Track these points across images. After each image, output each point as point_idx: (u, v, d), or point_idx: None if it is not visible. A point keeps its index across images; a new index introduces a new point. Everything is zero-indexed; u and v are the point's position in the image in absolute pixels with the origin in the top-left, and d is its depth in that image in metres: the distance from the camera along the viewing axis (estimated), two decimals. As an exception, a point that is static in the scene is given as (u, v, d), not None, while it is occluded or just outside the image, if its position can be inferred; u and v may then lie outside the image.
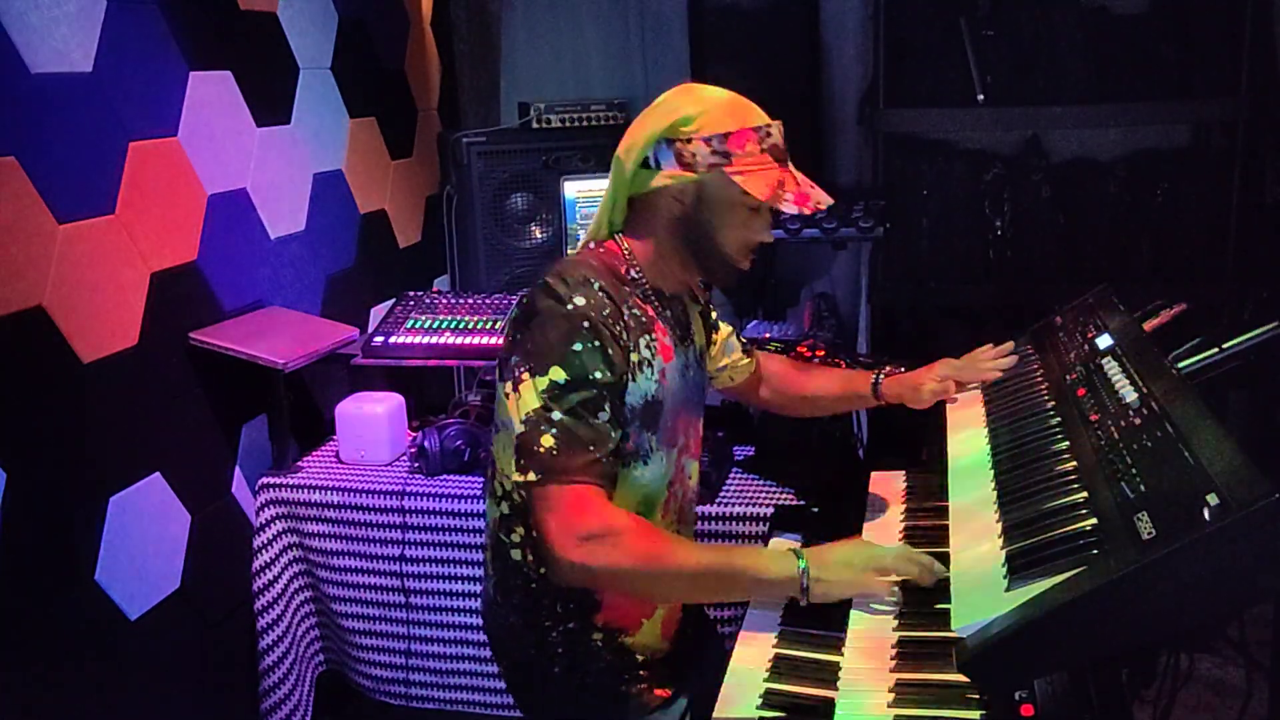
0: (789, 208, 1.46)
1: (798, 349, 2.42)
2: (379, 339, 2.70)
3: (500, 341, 1.54)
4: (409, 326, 2.72)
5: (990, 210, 3.33)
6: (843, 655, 1.45)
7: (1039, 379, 1.76)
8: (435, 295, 2.87)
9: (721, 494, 2.26)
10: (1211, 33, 3.13)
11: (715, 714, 1.39)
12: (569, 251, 1.67)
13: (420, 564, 2.44)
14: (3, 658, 1.84)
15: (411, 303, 2.83)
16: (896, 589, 1.47)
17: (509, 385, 1.42)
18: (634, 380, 1.44)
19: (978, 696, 1.28)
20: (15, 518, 1.85)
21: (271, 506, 2.48)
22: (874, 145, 3.37)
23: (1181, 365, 1.62)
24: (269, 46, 2.71)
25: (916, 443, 2.00)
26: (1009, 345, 1.94)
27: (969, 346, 1.97)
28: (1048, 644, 1.14)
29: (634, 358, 1.44)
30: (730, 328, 1.89)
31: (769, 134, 1.48)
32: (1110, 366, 1.58)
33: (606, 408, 1.40)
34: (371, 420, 2.55)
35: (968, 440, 1.71)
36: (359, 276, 3.12)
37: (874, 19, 3.29)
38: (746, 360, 1.90)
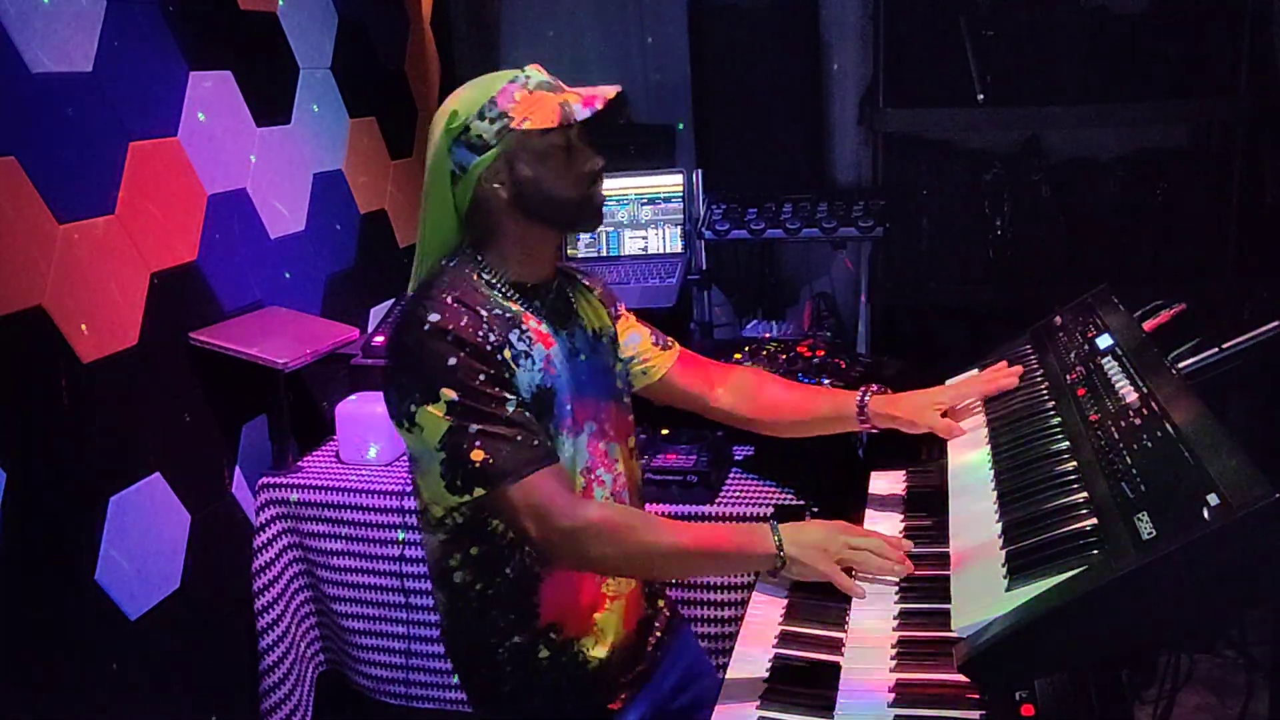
0: (583, 114, 1.46)
1: (797, 349, 2.42)
2: (379, 339, 2.70)
3: None
4: (409, 326, 2.72)
5: (990, 210, 3.33)
6: (843, 655, 1.46)
7: (1039, 379, 1.76)
8: (435, 295, 2.87)
9: (721, 494, 2.26)
10: (1211, 33, 3.14)
11: (714, 714, 1.39)
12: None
13: (420, 564, 2.44)
14: (3, 658, 1.84)
15: (411, 303, 2.83)
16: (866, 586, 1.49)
17: (405, 423, 1.43)
18: (512, 376, 1.44)
19: (978, 696, 1.28)
20: (15, 518, 1.85)
21: (271, 506, 2.48)
22: (874, 145, 3.38)
23: (1181, 365, 1.62)
24: (269, 46, 2.71)
25: (916, 443, 1.99)
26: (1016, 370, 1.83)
27: (969, 346, 1.96)
28: (1048, 644, 1.14)
29: (507, 353, 1.44)
30: (634, 318, 1.78)
31: (528, 78, 1.49)
32: (1110, 366, 1.58)
33: (508, 397, 1.42)
34: (371, 420, 2.55)
35: (968, 440, 1.71)
36: (359, 276, 3.12)
37: (874, 19, 3.29)
38: (663, 352, 1.77)
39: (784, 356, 2.37)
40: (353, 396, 2.61)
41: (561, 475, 1.44)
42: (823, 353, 2.39)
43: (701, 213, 3.17)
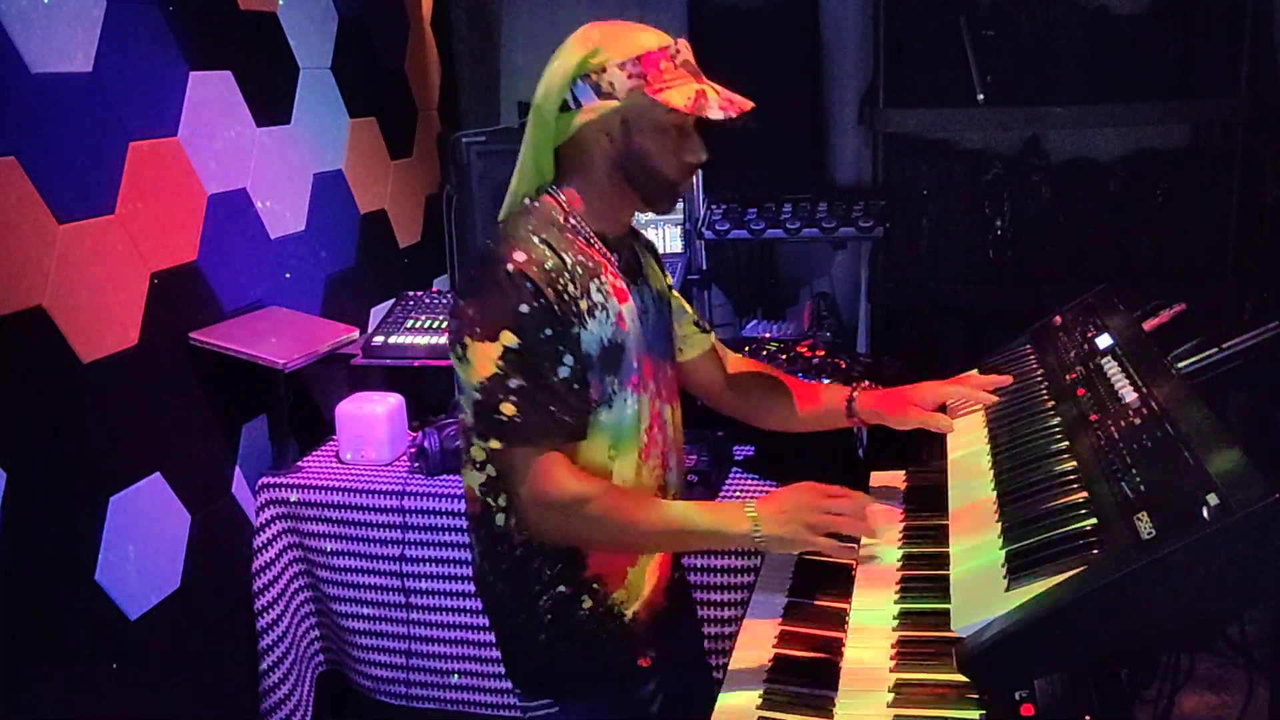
0: (715, 114, 1.43)
1: (797, 349, 2.42)
2: (379, 339, 2.70)
3: None
4: (409, 326, 2.72)
5: (990, 210, 3.33)
6: (843, 655, 1.46)
7: (1039, 379, 1.76)
8: (435, 295, 2.87)
9: (722, 494, 2.26)
10: (1211, 33, 3.14)
11: (715, 714, 1.39)
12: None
13: (420, 564, 2.44)
14: (3, 658, 1.84)
15: (411, 303, 2.83)
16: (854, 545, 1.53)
17: (458, 350, 1.43)
18: (586, 328, 1.43)
19: (978, 696, 1.28)
20: (15, 518, 1.85)
21: (271, 506, 2.48)
22: (874, 145, 3.38)
23: (1181, 365, 1.62)
24: (269, 46, 2.71)
25: (916, 443, 1.99)
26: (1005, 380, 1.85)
27: (969, 346, 1.96)
28: (1048, 644, 1.14)
29: (583, 304, 1.43)
30: (682, 298, 1.80)
31: (678, 51, 1.47)
32: (1110, 366, 1.58)
33: (567, 360, 1.41)
34: (371, 420, 2.55)
35: (968, 440, 1.71)
36: (359, 276, 3.12)
37: (874, 19, 3.29)
38: (701, 335, 1.79)
39: (784, 356, 2.38)
40: (353, 396, 2.61)
41: (574, 453, 1.45)
42: (823, 353, 2.39)
43: (701, 212, 3.17)
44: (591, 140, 1.47)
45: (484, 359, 1.39)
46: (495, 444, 1.42)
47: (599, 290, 1.46)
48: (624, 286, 1.51)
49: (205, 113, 2.39)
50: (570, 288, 1.42)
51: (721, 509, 1.53)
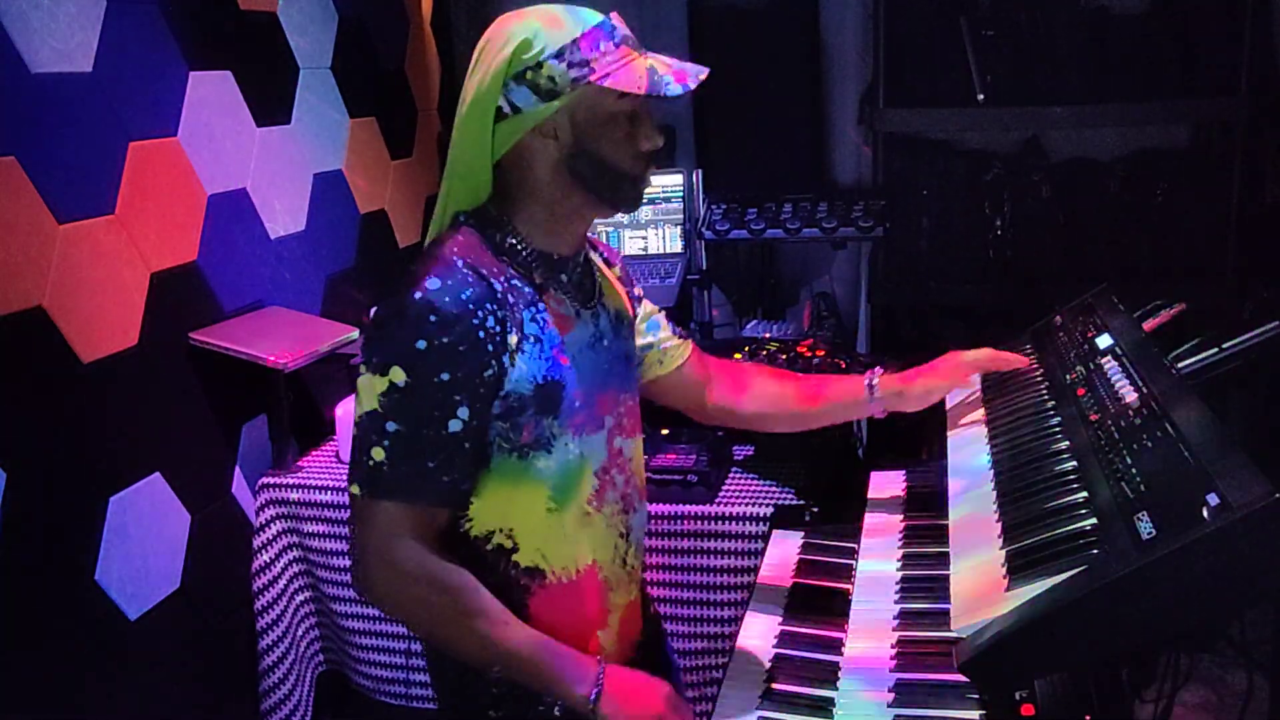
0: (674, 90, 1.28)
1: (797, 349, 2.42)
2: (379, 339, 2.70)
3: None
4: (409, 326, 2.72)
5: (990, 210, 3.33)
6: (843, 655, 1.46)
7: (1039, 379, 1.76)
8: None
9: (721, 494, 2.26)
10: (1211, 33, 3.14)
11: (715, 714, 1.39)
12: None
13: (420, 564, 2.44)
14: (3, 658, 1.84)
15: (411, 303, 2.83)
16: None
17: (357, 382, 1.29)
18: (514, 365, 1.26)
19: (978, 696, 1.28)
20: (15, 518, 1.85)
21: (271, 506, 2.48)
22: (874, 145, 3.38)
23: (1181, 365, 1.62)
24: (269, 46, 2.71)
25: (916, 443, 2.00)
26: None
27: (969, 346, 1.94)
28: (1048, 644, 1.14)
29: (512, 339, 1.26)
30: (655, 307, 1.63)
31: (614, 26, 1.30)
32: (1110, 366, 1.58)
33: (461, 413, 1.24)
34: (371, 420, 2.55)
35: (967, 440, 1.71)
36: (359, 276, 3.11)
37: (874, 19, 3.29)
38: (679, 343, 1.63)
39: (784, 356, 2.38)
40: (353, 396, 2.61)
41: (437, 522, 1.30)
42: (823, 353, 2.39)
43: (701, 213, 3.17)
44: (536, 147, 1.30)
45: (368, 392, 1.25)
46: (355, 490, 1.26)
47: (534, 320, 1.30)
48: (567, 314, 1.35)
49: (205, 113, 2.39)
50: (492, 321, 1.24)
51: (571, 663, 1.33)
